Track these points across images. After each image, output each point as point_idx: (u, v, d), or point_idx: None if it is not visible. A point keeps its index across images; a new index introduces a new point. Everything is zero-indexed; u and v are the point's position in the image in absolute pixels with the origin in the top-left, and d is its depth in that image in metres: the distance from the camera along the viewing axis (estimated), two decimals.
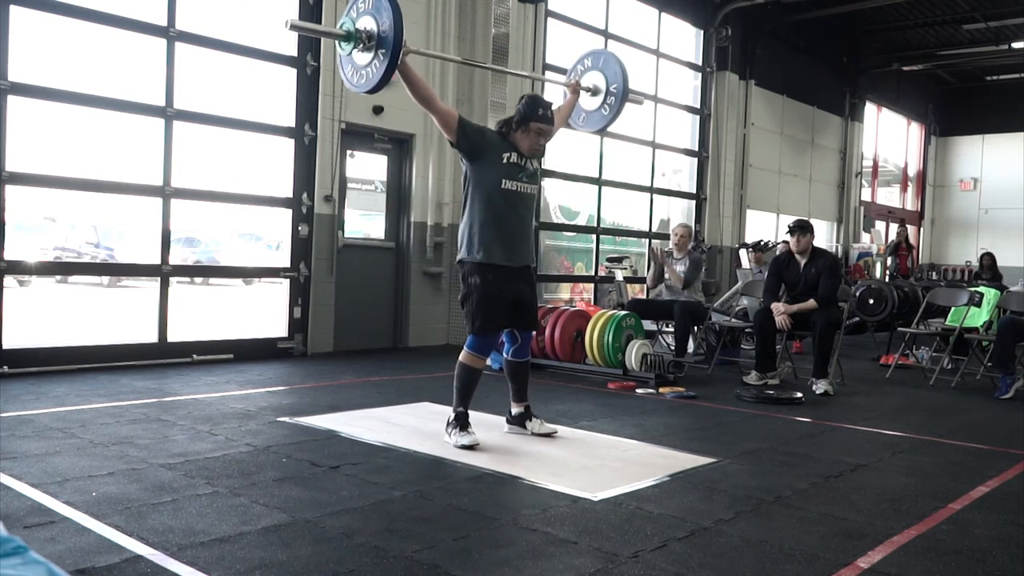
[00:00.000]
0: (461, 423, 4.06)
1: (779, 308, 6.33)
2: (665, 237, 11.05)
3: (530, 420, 4.36)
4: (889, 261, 13.74)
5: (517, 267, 4.14)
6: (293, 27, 3.88)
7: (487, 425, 4.53)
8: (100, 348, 6.29)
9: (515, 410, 4.40)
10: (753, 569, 2.56)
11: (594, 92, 4.87)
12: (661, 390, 5.88)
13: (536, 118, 4.05)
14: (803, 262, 6.46)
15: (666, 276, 7.22)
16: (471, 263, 4.08)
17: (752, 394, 5.77)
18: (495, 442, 4.17)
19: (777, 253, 8.99)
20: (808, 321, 6.26)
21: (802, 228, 6.48)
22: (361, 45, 3.76)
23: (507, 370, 4.35)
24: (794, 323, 6.31)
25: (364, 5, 3.78)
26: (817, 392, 6.10)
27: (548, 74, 9.52)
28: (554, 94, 7.82)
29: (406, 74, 3.84)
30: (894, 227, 16.37)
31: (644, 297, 7.56)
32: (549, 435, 4.30)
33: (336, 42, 3.93)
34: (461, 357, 4.15)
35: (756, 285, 7.98)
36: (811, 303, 6.26)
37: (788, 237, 6.57)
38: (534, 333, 4.40)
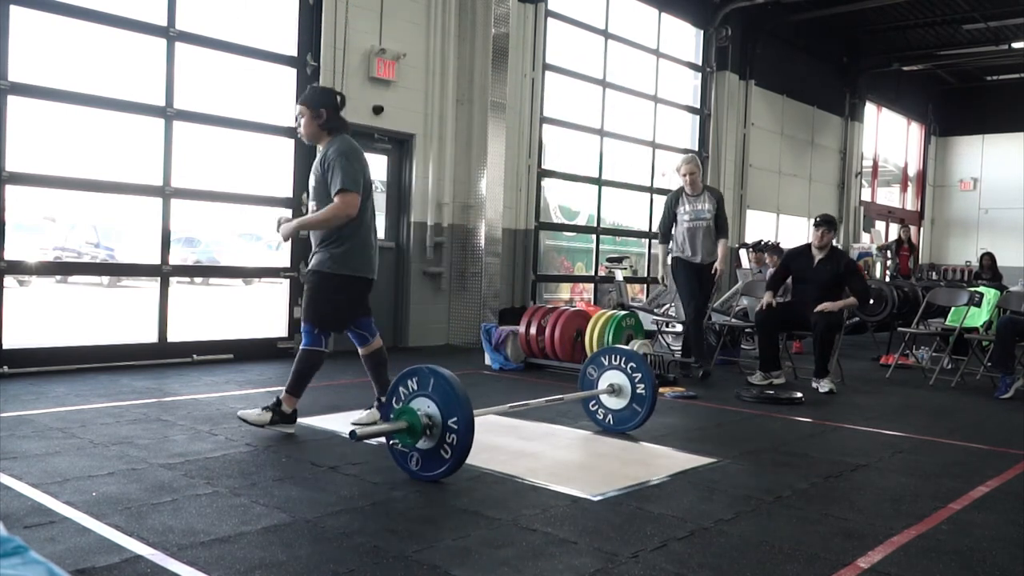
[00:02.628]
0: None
1: (832, 306, 6.19)
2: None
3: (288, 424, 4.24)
4: (889, 260, 13.74)
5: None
6: (359, 437, 3.31)
7: (487, 425, 4.53)
8: (100, 348, 6.29)
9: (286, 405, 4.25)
10: (753, 569, 2.56)
11: (616, 393, 4.42)
12: (661, 390, 5.87)
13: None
14: (819, 257, 6.48)
15: (686, 217, 6.57)
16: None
17: (752, 394, 5.77)
18: (495, 442, 4.17)
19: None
20: (810, 321, 6.27)
21: (828, 223, 6.53)
22: (426, 434, 3.33)
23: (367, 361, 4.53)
24: (795, 323, 6.31)
25: (417, 387, 3.41)
26: (821, 391, 6.11)
27: (548, 72, 9.54)
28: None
29: None
30: (895, 227, 16.39)
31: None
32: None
33: (390, 440, 3.51)
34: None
35: (756, 285, 7.99)
36: (853, 300, 6.33)
37: (813, 231, 6.58)
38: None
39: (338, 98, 4.22)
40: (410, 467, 3.42)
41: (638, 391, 4.37)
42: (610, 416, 4.49)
